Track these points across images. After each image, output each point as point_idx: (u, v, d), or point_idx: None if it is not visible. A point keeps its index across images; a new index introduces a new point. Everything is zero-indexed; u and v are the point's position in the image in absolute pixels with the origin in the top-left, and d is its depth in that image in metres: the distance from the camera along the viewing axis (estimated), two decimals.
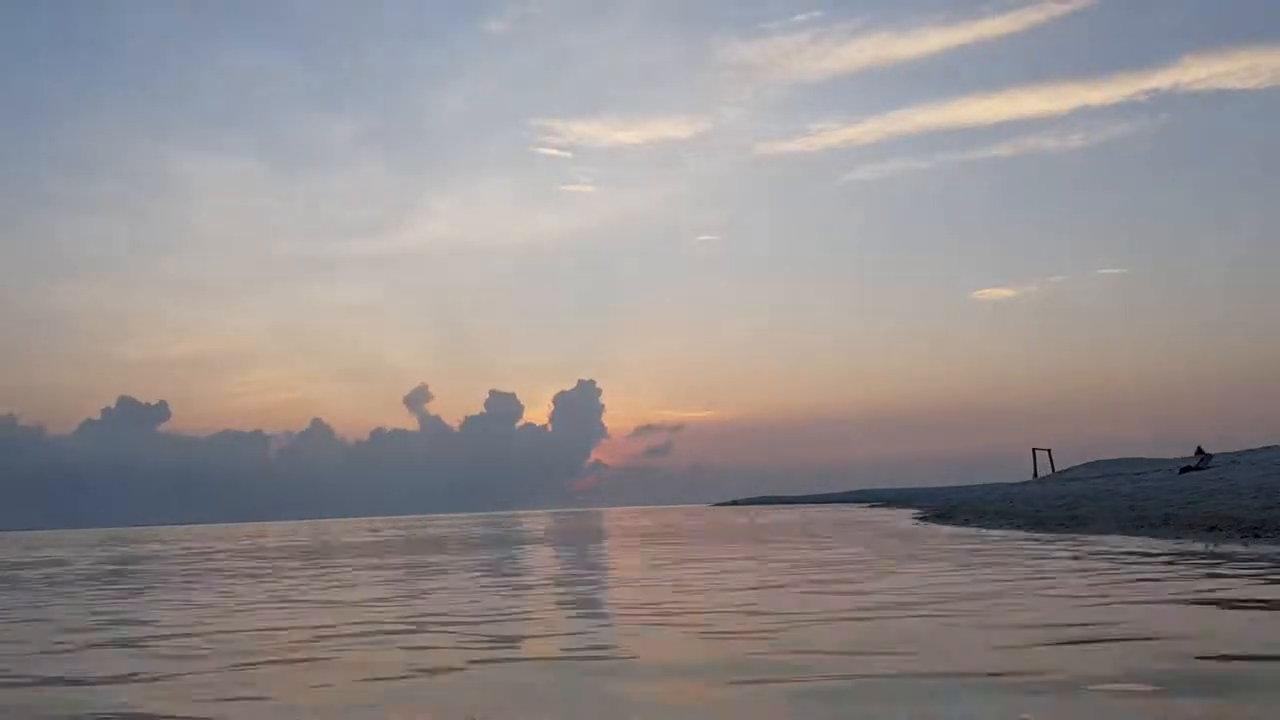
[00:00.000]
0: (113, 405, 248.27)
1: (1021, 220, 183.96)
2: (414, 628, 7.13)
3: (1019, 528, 19.75)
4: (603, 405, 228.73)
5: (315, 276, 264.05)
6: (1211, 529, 13.90)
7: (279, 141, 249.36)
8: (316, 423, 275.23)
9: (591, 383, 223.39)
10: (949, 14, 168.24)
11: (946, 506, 34.24)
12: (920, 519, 30.62)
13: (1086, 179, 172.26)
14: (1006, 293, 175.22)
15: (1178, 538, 13.75)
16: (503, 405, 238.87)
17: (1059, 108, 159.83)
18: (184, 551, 27.21)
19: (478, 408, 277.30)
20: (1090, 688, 4.08)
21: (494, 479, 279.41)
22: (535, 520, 52.96)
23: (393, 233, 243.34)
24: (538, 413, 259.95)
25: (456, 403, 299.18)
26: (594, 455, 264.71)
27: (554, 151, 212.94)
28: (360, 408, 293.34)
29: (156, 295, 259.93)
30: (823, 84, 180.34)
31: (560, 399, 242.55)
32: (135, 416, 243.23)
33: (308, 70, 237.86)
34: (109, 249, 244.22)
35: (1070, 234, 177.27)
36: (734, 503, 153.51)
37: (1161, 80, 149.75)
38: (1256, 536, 12.61)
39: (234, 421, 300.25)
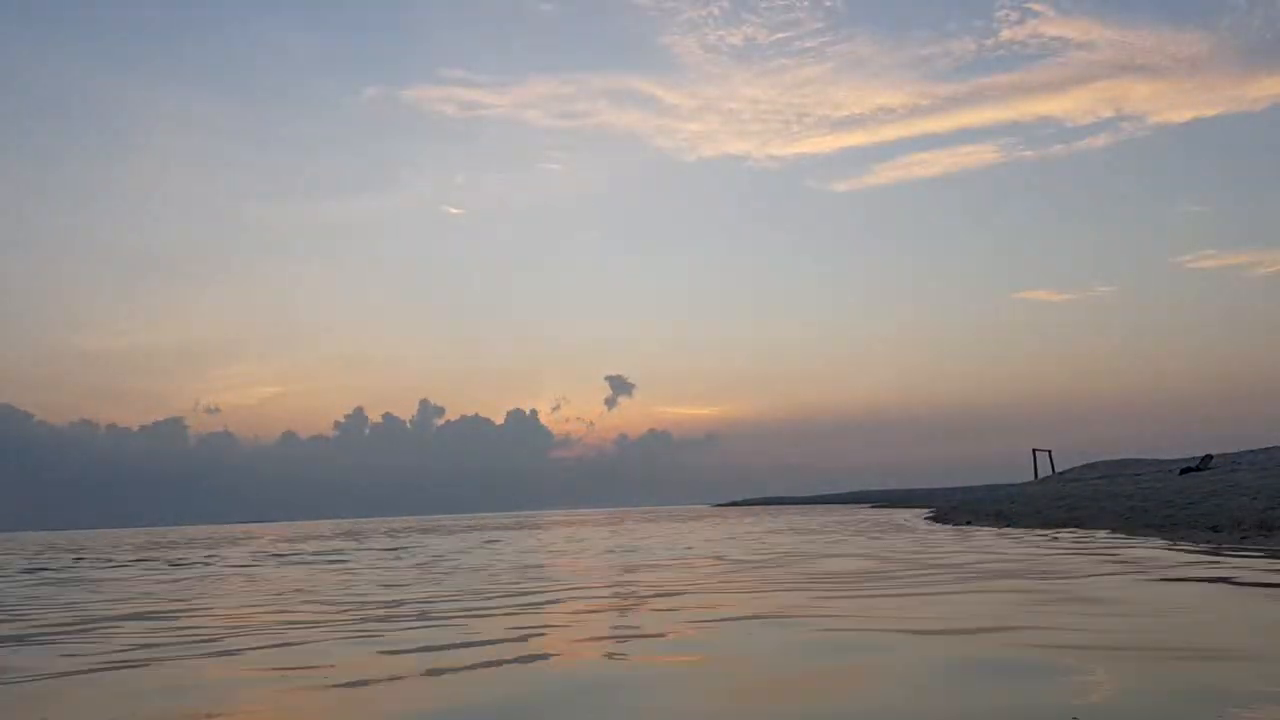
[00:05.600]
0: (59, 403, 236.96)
1: (1031, 225, 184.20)
2: None
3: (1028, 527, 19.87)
4: (613, 403, 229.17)
5: (297, 249, 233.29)
6: (1214, 529, 14.02)
7: (231, 65, 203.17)
8: (303, 421, 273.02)
9: (604, 378, 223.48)
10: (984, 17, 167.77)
11: (947, 507, 34.38)
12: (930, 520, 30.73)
13: (1088, 186, 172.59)
14: (1016, 297, 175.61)
15: (1181, 538, 13.88)
16: (505, 401, 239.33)
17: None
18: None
19: (474, 404, 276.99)
20: None
21: (493, 480, 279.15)
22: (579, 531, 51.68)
23: (386, 190, 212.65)
24: (540, 409, 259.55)
25: (456, 398, 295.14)
26: (597, 453, 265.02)
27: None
28: (347, 403, 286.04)
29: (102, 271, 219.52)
30: (859, 81, 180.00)
31: (566, 396, 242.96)
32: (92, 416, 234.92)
33: None
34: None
35: (1074, 240, 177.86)
36: (734, 503, 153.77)
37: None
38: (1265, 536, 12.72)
39: (205, 420, 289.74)
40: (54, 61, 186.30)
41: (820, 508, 75.83)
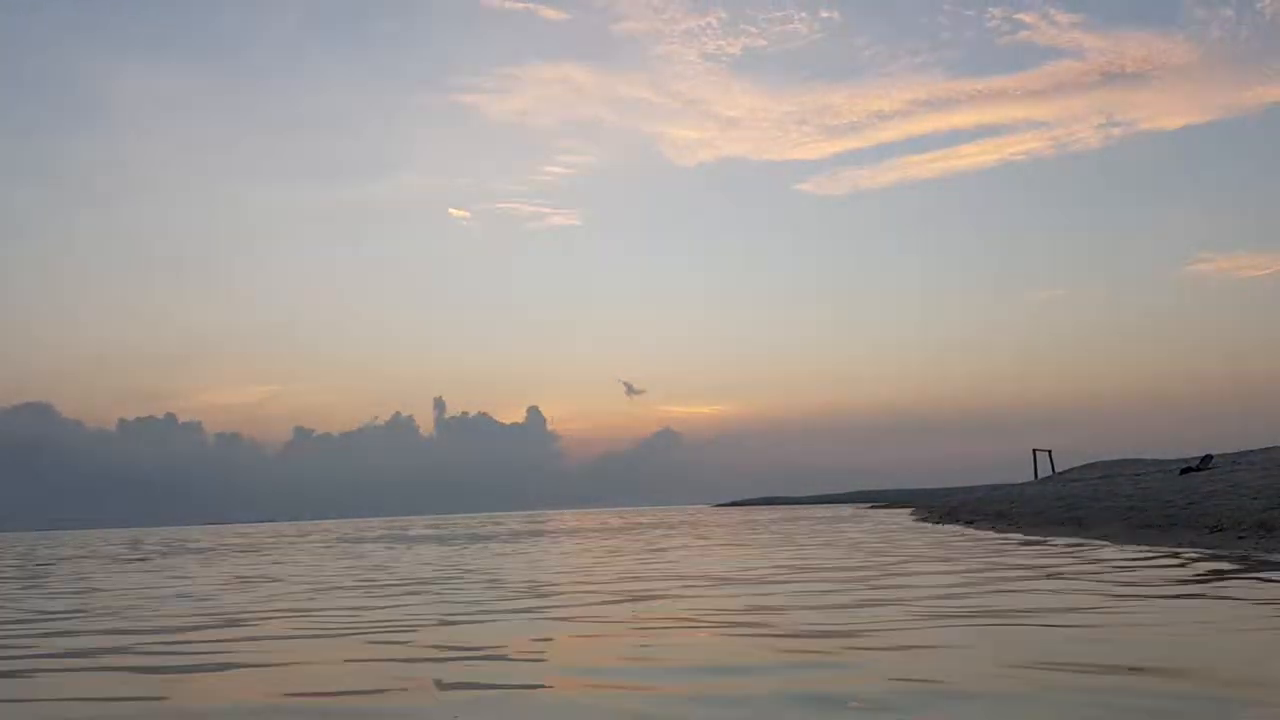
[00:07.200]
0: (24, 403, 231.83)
1: (1030, 228, 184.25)
2: None
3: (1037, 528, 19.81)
4: (622, 402, 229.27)
5: (288, 238, 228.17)
6: (1214, 529, 13.98)
7: (214, 39, 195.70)
8: (312, 419, 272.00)
9: (613, 378, 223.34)
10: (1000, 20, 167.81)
11: (947, 507, 34.35)
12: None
13: (1084, 189, 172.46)
14: (1016, 299, 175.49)
15: (1180, 538, 13.84)
16: (515, 401, 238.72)
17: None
18: None
19: (484, 404, 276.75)
20: None
21: (484, 480, 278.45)
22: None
23: (392, 190, 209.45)
24: (550, 408, 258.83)
25: (465, 398, 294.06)
26: (606, 453, 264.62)
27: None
28: (358, 403, 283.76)
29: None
30: (855, 87, 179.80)
31: (576, 396, 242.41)
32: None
33: None
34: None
35: (1071, 241, 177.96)
36: (734, 504, 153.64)
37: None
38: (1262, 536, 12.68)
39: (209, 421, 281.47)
40: (55, 56, 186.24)
41: (817, 508, 75.75)
